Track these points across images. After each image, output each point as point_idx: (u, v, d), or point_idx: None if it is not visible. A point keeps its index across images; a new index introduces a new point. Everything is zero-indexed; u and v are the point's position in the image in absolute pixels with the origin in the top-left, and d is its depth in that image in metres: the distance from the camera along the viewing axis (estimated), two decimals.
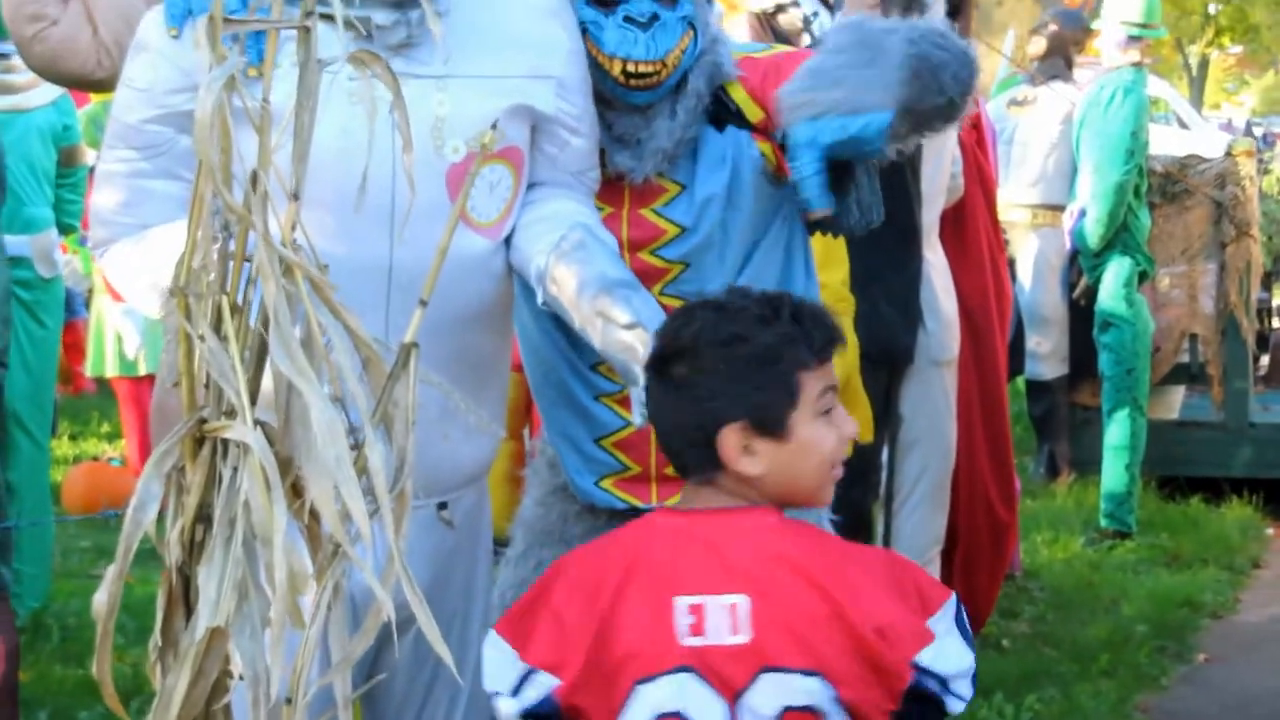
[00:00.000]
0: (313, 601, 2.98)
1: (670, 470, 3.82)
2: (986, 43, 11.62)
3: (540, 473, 4.26)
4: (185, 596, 3.01)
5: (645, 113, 3.91)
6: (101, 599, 2.99)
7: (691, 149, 3.95)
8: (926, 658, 3.08)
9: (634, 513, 4.01)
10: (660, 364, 3.23)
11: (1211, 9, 48.86)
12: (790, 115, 3.70)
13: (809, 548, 3.22)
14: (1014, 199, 9.89)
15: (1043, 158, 9.71)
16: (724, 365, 3.17)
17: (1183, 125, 31.44)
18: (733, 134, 3.98)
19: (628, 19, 3.80)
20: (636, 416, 3.50)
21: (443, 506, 3.89)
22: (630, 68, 3.81)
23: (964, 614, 3.17)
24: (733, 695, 3.10)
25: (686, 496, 3.32)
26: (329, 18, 3.58)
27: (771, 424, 3.14)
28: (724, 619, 3.11)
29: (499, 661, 3.31)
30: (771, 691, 3.09)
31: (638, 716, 3.11)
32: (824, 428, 3.17)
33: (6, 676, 5.30)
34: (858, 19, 3.89)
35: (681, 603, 3.14)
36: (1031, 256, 10.21)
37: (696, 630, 3.12)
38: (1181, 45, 51.09)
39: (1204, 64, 54.01)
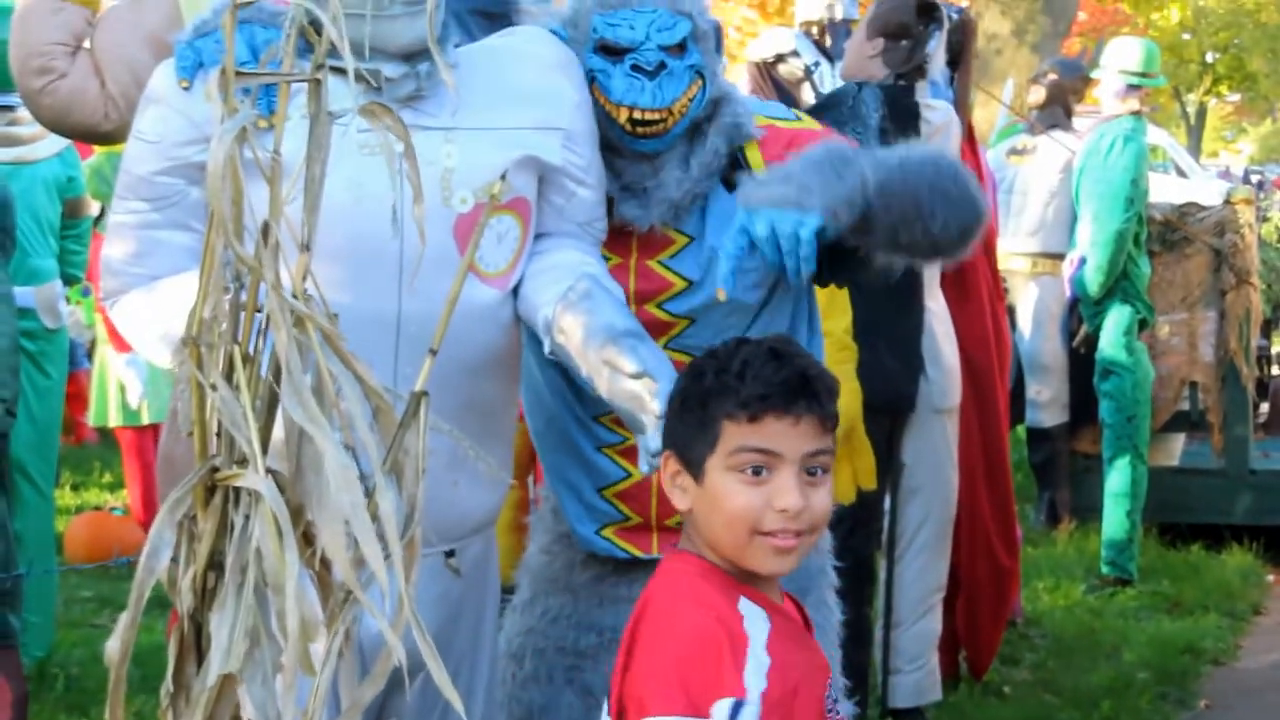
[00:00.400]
0: (323, 648, 2.99)
1: (671, 521, 3.87)
2: (986, 90, 11.64)
3: (545, 520, 4.27)
4: (197, 643, 3.02)
5: (653, 161, 3.92)
6: (114, 646, 3.00)
7: (701, 204, 3.96)
8: None
9: (635, 562, 4.04)
10: None
11: (1209, 57, 48.93)
12: (742, 197, 3.73)
13: (653, 600, 3.25)
14: (1014, 248, 9.91)
15: (1042, 206, 9.73)
16: (676, 398, 3.22)
17: (1181, 173, 31.47)
18: None
19: (635, 67, 3.81)
20: (644, 465, 3.50)
21: (450, 554, 3.90)
22: (637, 115, 3.83)
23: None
24: None
25: None
26: (340, 71, 3.63)
27: (689, 462, 3.15)
28: None
29: None
30: None
31: None
32: (739, 485, 3.09)
33: None
34: (840, 146, 3.90)
35: None
36: (1031, 305, 10.21)
37: None
38: (1179, 93, 51.16)
39: (1202, 112, 54.11)
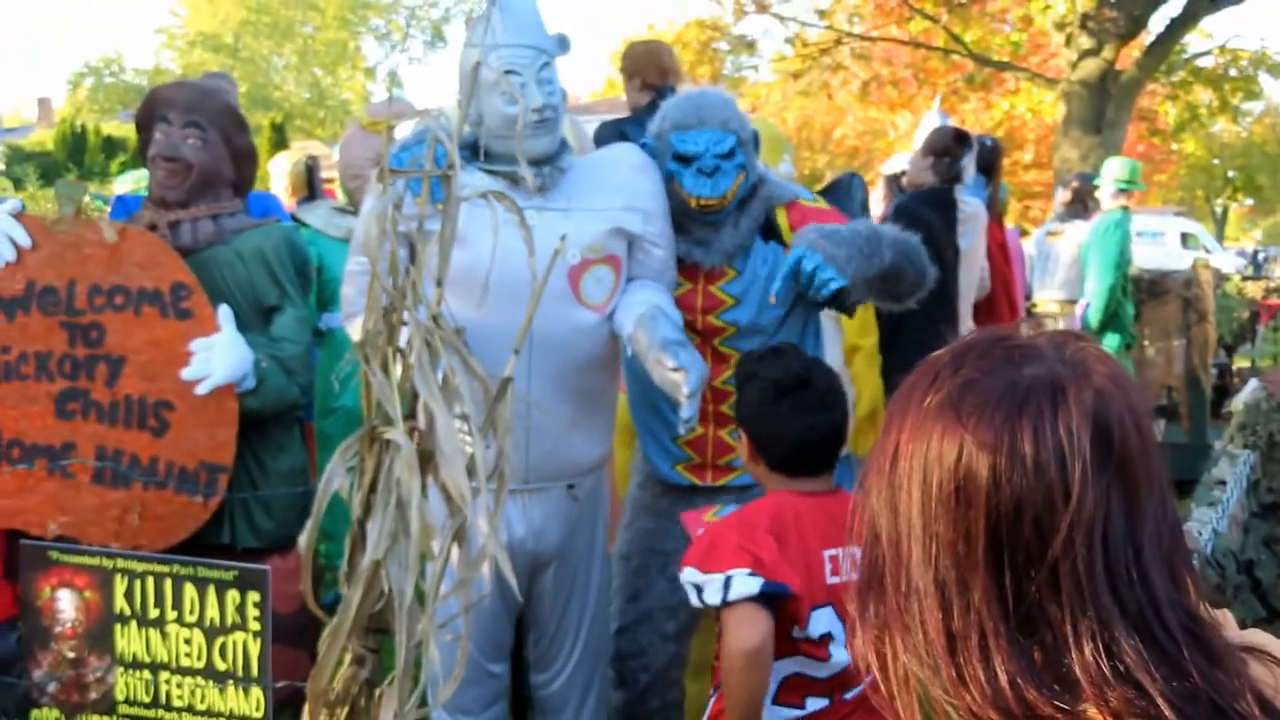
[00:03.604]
0: (438, 545, 2.98)
1: (722, 461, 3.86)
2: (1048, 193, 11.37)
3: (639, 466, 4.26)
4: (362, 541, 3.02)
5: (714, 226, 3.92)
6: (303, 540, 3.02)
7: (746, 250, 3.95)
8: None
9: (696, 489, 4.00)
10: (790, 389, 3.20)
11: (1230, 174, 48.01)
12: (797, 240, 3.70)
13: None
14: (1048, 295, 9.68)
15: (1067, 269, 9.47)
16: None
17: (1207, 251, 30.54)
18: (774, 246, 3.98)
19: (699, 170, 3.82)
20: (681, 428, 3.54)
21: (570, 487, 3.88)
22: (702, 202, 3.83)
23: None
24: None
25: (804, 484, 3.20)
26: (494, 173, 3.64)
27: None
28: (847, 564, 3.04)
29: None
30: None
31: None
32: None
33: None
34: (873, 225, 3.90)
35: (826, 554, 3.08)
36: None
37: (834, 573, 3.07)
38: (1209, 199, 50.15)
39: (1225, 211, 52.99)
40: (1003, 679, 1.27)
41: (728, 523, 3.10)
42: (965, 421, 1.31)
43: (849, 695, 3.06)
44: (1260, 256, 30.81)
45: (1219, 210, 52.05)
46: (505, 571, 2.91)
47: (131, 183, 8.22)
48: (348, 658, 3.08)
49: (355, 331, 3.73)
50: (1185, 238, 32.05)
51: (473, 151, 3.68)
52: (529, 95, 3.57)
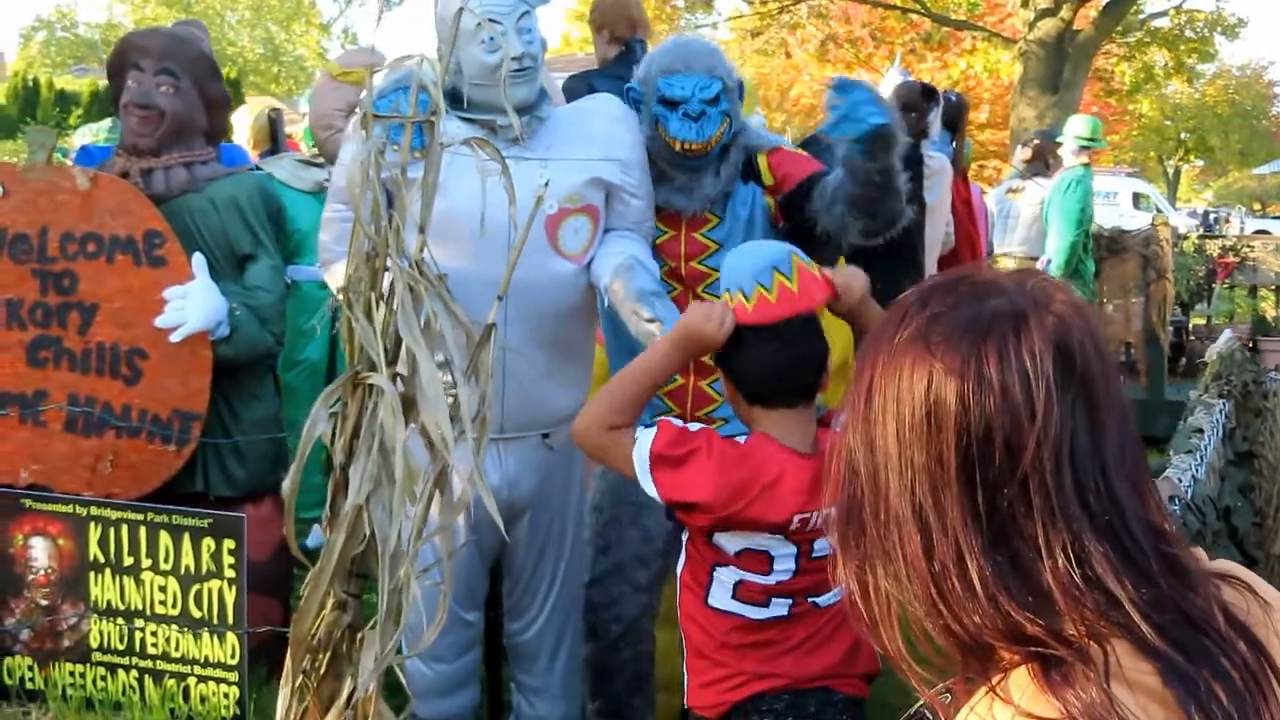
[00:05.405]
0: (421, 488, 2.99)
1: (701, 413, 3.85)
2: (1004, 153, 11.38)
3: None
4: (345, 486, 3.02)
5: (697, 173, 3.91)
6: (286, 485, 3.02)
7: (727, 195, 3.95)
8: None
9: None
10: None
11: (1182, 136, 48.28)
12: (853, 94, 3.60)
13: None
14: (1009, 252, 9.70)
15: (1027, 226, 9.48)
16: None
17: (1159, 211, 30.71)
18: (753, 188, 3.98)
19: (685, 114, 3.82)
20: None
21: (546, 436, 3.89)
22: (686, 146, 3.82)
23: None
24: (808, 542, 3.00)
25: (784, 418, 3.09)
26: (473, 121, 3.63)
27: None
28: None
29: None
30: None
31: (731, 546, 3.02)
32: None
33: None
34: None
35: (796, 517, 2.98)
36: None
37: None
38: (1162, 159, 50.43)
39: (1177, 172, 53.31)
40: (981, 593, 1.31)
41: (707, 431, 3.04)
42: (934, 351, 1.36)
43: (822, 600, 3.04)
44: (1212, 218, 31.03)
45: (1171, 171, 52.33)
46: (491, 511, 2.92)
47: (90, 135, 8.13)
48: (330, 603, 3.08)
49: (333, 278, 3.72)
50: (1138, 198, 32.23)
51: (451, 100, 3.67)
52: (509, 44, 3.56)
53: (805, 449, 2.99)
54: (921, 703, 1.41)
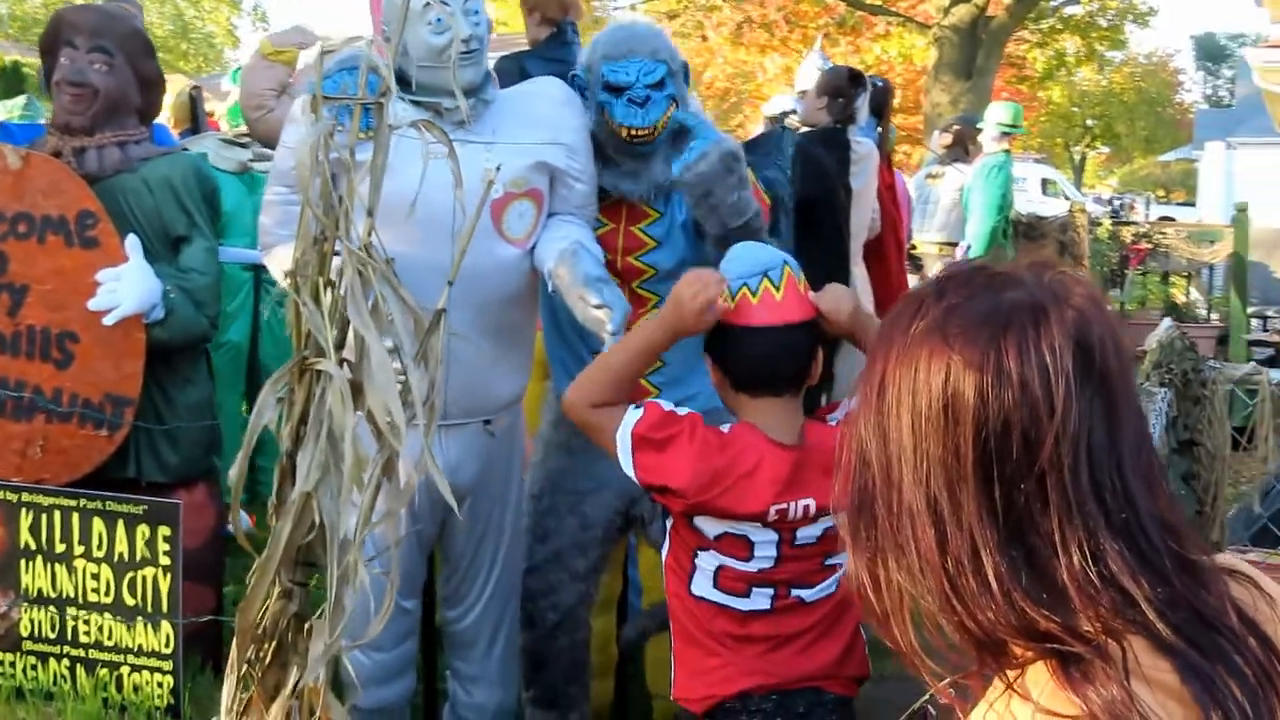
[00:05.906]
0: (368, 475, 2.95)
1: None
2: (916, 137, 11.48)
3: (551, 404, 4.20)
4: (292, 473, 2.97)
5: (645, 159, 3.88)
6: (233, 473, 2.97)
7: (667, 192, 3.92)
8: None
9: None
10: None
11: (1089, 123, 48.85)
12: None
13: None
14: (928, 238, 9.78)
15: (946, 212, 9.57)
16: None
17: (1067, 198, 31.10)
18: None
19: (630, 100, 3.79)
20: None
21: (487, 422, 3.86)
22: (632, 132, 3.80)
23: None
24: (790, 530, 2.98)
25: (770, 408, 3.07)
26: (419, 104, 3.59)
27: None
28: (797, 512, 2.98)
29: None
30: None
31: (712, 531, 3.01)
32: None
33: None
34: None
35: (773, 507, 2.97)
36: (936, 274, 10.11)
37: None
38: (1069, 146, 51.06)
39: (1083, 159, 54.00)
40: (995, 589, 1.31)
41: (693, 416, 3.02)
42: (951, 343, 1.34)
43: (808, 595, 3.04)
44: (1118, 204, 31.44)
45: (1077, 158, 52.97)
46: (445, 493, 2.89)
47: (4, 112, 7.98)
48: (275, 591, 3.04)
49: (274, 262, 3.66)
50: (1045, 184, 32.59)
51: (397, 82, 3.62)
52: (457, 25, 3.52)
53: (788, 440, 2.98)
54: (924, 699, 1.40)
